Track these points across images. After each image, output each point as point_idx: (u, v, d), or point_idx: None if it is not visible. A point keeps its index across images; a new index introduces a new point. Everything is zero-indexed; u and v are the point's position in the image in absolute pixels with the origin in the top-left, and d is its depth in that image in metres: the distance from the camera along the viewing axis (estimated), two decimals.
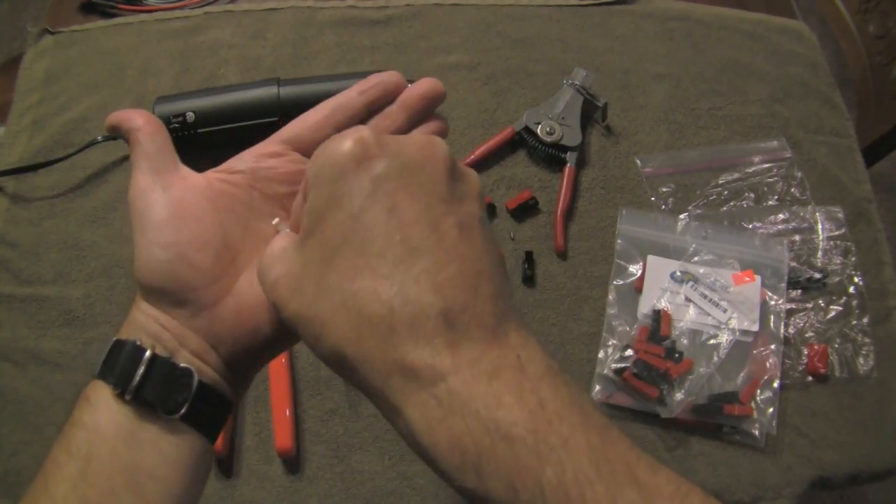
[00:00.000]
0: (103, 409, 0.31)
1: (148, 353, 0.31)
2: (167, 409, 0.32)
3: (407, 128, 0.37)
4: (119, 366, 0.31)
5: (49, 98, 0.78)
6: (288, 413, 0.62)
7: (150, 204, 0.33)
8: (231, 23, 0.83)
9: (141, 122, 0.35)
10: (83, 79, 0.79)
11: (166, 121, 0.70)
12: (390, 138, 0.29)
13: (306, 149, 0.36)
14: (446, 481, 0.25)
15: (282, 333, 0.34)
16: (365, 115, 0.37)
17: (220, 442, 0.59)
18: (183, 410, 0.32)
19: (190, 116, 0.70)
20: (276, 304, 0.30)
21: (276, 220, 0.35)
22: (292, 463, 0.61)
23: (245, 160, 0.36)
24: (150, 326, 0.33)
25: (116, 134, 0.35)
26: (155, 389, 0.31)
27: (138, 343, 0.32)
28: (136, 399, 0.31)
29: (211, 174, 0.35)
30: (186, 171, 0.35)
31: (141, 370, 0.31)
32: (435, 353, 0.25)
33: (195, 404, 0.32)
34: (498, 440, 0.24)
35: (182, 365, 0.32)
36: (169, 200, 0.33)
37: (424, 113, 0.37)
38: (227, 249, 0.34)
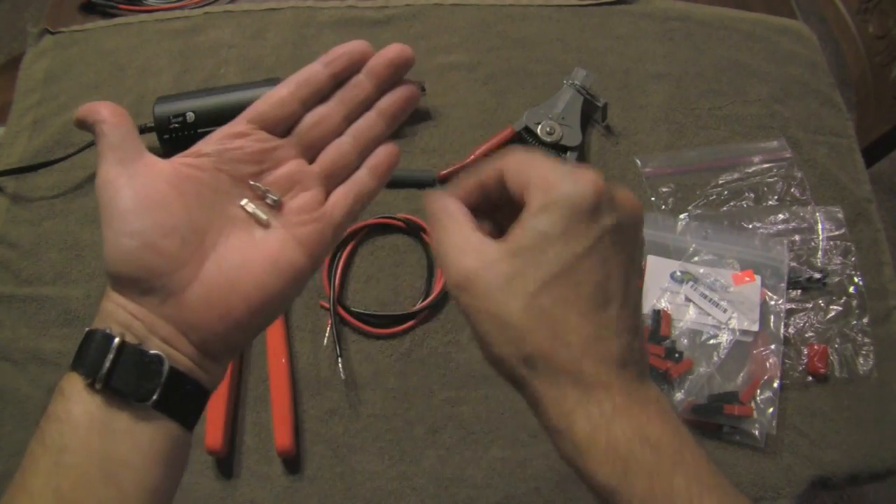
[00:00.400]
0: (76, 399, 0.31)
1: (116, 341, 0.31)
2: (138, 397, 0.31)
3: (376, 96, 0.37)
4: (89, 355, 0.31)
5: (49, 98, 0.78)
6: (288, 413, 0.62)
7: (116, 193, 0.33)
8: (231, 23, 0.83)
9: (106, 114, 0.35)
10: (83, 79, 0.79)
11: (166, 121, 0.70)
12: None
13: (272, 126, 0.36)
14: (583, 475, 0.31)
15: (252, 318, 0.34)
16: (331, 87, 0.37)
17: (220, 442, 0.59)
18: (154, 397, 0.32)
19: (190, 116, 0.70)
20: (459, 290, 0.32)
21: (244, 201, 0.35)
22: (292, 463, 0.61)
23: (211, 142, 0.36)
24: (119, 315, 0.33)
25: (83, 127, 0.35)
26: (124, 377, 0.31)
27: (107, 331, 0.32)
28: (107, 387, 0.31)
29: (177, 159, 0.35)
30: (152, 158, 0.35)
31: (110, 358, 0.31)
32: (610, 379, 0.31)
33: (167, 391, 0.32)
34: (647, 448, 0.30)
35: (152, 352, 0.32)
36: (135, 189, 0.33)
37: (392, 80, 0.37)
38: (194, 234, 0.34)
